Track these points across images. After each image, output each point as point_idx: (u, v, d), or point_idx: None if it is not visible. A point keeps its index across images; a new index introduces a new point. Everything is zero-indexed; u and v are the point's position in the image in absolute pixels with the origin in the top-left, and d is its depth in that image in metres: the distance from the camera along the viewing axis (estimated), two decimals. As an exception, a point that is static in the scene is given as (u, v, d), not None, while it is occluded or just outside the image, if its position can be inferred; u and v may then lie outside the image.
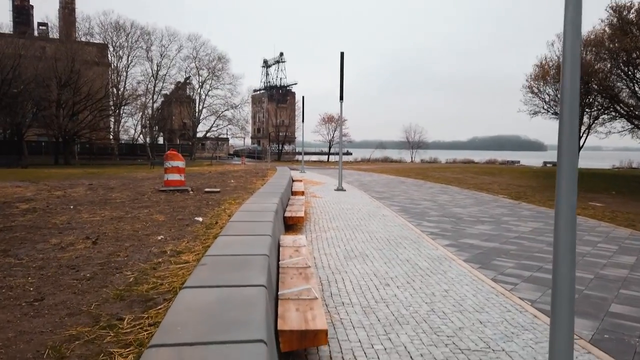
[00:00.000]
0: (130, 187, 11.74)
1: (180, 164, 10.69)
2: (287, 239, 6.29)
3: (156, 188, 11.01)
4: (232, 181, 14.75)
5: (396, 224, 9.68)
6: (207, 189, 10.67)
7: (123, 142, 65.12)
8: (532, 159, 75.91)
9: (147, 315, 3.31)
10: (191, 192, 10.45)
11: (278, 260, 5.16)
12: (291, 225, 8.54)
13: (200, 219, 6.61)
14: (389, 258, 6.61)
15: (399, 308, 4.57)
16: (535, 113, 35.18)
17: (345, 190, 16.92)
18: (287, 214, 8.49)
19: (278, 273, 4.66)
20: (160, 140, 71.87)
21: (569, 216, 2.84)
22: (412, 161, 67.64)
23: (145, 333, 2.95)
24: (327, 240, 7.77)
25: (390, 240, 7.92)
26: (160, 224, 6.56)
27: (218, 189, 10.65)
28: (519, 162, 60.31)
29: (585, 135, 32.95)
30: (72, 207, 7.82)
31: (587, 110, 31.62)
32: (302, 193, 13.27)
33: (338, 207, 11.98)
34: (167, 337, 2.31)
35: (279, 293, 3.97)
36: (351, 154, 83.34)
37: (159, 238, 5.40)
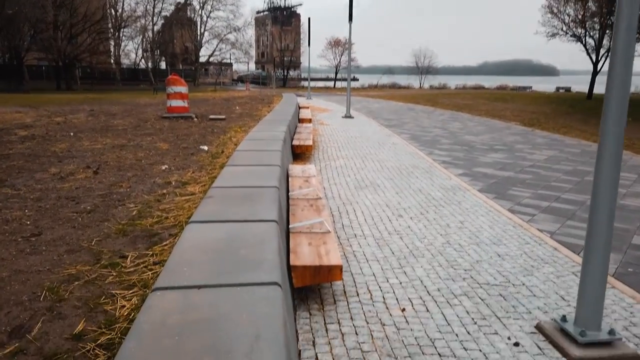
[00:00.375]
0: (132, 113, 11.41)
1: (183, 89, 10.24)
2: (296, 169, 6.07)
3: (159, 115, 10.68)
4: (237, 108, 14.33)
5: (407, 152, 9.41)
6: (211, 116, 10.33)
7: (125, 67, 63.59)
8: (544, 85, 73.80)
9: (151, 253, 3.14)
10: (195, 119, 10.12)
11: (287, 191, 4.97)
12: (299, 154, 8.30)
13: (206, 148, 6.36)
14: (401, 188, 6.41)
15: (413, 240, 4.42)
16: (553, 35, 33.49)
17: (353, 117, 16.50)
18: (295, 142, 8.22)
19: (288, 205, 4.48)
20: (163, 65, 70.13)
21: (614, 149, 2.55)
22: (420, 87, 65.95)
23: (149, 273, 2.78)
24: (336, 169, 7.55)
25: (401, 169, 7.69)
26: (164, 153, 6.37)
27: (223, 116, 10.31)
28: (530, 87, 58.60)
29: (603, 59, 31.50)
30: (72, 134, 7.55)
31: (607, 31, 30.00)
32: (310, 120, 12.91)
33: (346, 135, 11.66)
34: (173, 278, 2.13)
35: (290, 226, 3.79)
36: (358, 79, 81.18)
37: (163, 168, 5.18)
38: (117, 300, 2.45)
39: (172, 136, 7.55)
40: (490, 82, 78.12)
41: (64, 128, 8.23)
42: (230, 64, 78.21)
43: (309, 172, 5.84)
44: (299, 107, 15.97)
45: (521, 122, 16.77)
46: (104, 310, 2.40)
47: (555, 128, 14.97)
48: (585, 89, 34.35)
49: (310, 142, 8.29)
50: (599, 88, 40.71)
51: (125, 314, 2.31)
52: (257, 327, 1.72)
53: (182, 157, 5.94)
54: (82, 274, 2.85)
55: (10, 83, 38.74)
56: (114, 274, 2.83)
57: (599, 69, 29.63)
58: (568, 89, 53.58)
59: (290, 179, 5.51)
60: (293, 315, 2.91)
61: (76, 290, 2.64)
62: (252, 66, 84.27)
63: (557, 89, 54.19)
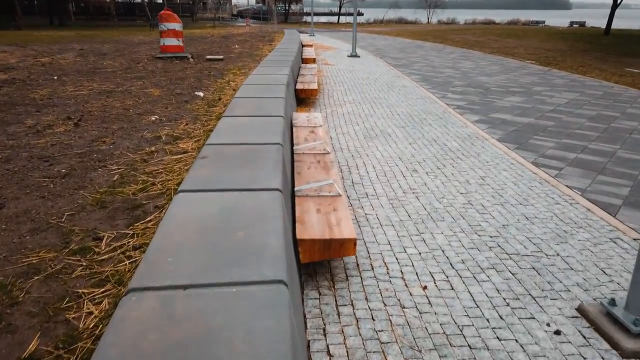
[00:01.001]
0: (124, 53, 10.68)
1: (177, 26, 9.40)
2: (301, 117, 5.56)
3: (152, 55, 9.95)
4: (237, 46, 13.48)
5: (418, 96, 8.80)
6: (208, 56, 9.60)
7: (120, 1, 60.96)
8: (557, 19, 70.73)
9: (132, 232, 2.67)
10: (191, 60, 9.39)
11: (292, 144, 4.51)
12: (303, 99, 7.73)
13: (201, 94, 5.79)
14: (414, 138, 5.92)
15: (430, 200, 4.01)
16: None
17: (359, 56, 15.63)
18: (299, 86, 7.63)
19: (293, 162, 4.03)
20: (161, -1, 67.24)
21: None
22: (428, 22, 63.19)
23: (127, 263, 2.31)
24: (343, 116, 7.02)
25: (413, 115, 7.16)
26: (155, 100, 5.82)
27: (221, 56, 9.59)
28: (543, 22, 55.95)
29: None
30: (56, 77, 6.89)
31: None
32: (314, 60, 12.16)
33: (353, 77, 10.98)
34: (154, 273, 1.73)
35: (295, 189, 3.37)
36: (362, 14, 77.75)
37: (153, 119, 4.63)
38: (83, 305, 1.98)
39: (165, 80, 6.91)
40: (500, 16, 74.86)
41: (48, 70, 7.55)
42: (230, -2, 74.81)
43: (315, 121, 5.34)
44: (302, 45, 15.09)
45: (536, 60, 15.88)
46: (65, 319, 1.98)
47: (573, 67, 14.15)
48: (600, 23, 32.64)
49: (315, 86, 7.69)
50: (617, 23, 38.49)
51: (91, 326, 1.85)
52: (256, 352, 1.34)
53: (175, 106, 5.38)
54: (45, 263, 2.39)
55: (2, 19, 37.11)
56: (84, 263, 2.39)
57: (619, 1, 27.87)
58: (582, 24, 51.19)
59: (294, 130, 5.03)
60: (300, 297, 2.55)
61: (34, 288, 2.19)
62: (252, 0, 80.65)
63: (571, 23, 51.79)
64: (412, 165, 4.87)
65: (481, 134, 6.18)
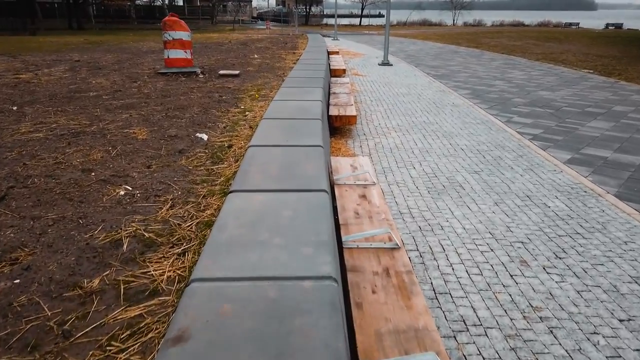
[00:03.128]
0: (124, 65, 9.19)
1: (185, 35, 7.78)
2: (343, 167, 3.96)
3: (156, 69, 8.46)
4: (256, 56, 11.93)
5: (477, 119, 7.12)
6: (222, 72, 8.02)
7: (141, 3, 60.58)
8: (586, 20, 67.75)
9: None
10: (201, 76, 7.81)
11: (337, 226, 2.90)
12: (338, 127, 6.13)
13: (205, 137, 4.13)
14: (498, 192, 4.27)
15: (578, 339, 2.36)
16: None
17: (391, 64, 13.98)
18: (333, 111, 6.03)
19: (342, 261, 2.41)
20: (181, 1, 66.68)
21: None
22: (454, 24, 61.00)
23: None
24: (392, 152, 5.40)
25: (482, 151, 5.50)
26: (136, 150, 3.85)
27: (237, 71, 8.00)
28: (577, 24, 53.24)
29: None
30: (15, 108, 5.18)
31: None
32: (344, 72, 10.56)
33: (391, 92, 9.34)
34: None
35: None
36: (383, 16, 75.88)
37: (121, 193, 2.89)
38: None
39: (160, 111, 5.09)
40: (529, 17, 72.27)
41: (16, 94, 5.78)
42: (250, 0, 73.85)
43: (365, 176, 3.72)
44: (328, 53, 13.50)
45: (593, 69, 14.00)
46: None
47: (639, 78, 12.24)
48: (633, 25, 30.25)
49: (353, 111, 6.09)
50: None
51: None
52: None
53: (163, 161, 3.59)
54: None
55: (19, 22, 36.39)
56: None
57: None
58: (619, 26, 48.48)
59: (337, 192, 3.43)
60: None
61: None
62: (273, 2, 79.58)
63: (607, 25, 49.09)
64: (516, 251, 3.23)
65: (588, 186, 4.48)
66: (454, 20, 63.89)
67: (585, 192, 4.33)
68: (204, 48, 14.63)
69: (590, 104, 8.54)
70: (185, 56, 7.82)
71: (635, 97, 9.44)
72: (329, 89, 7.76)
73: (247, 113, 5.10)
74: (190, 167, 3.31)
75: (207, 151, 3.70)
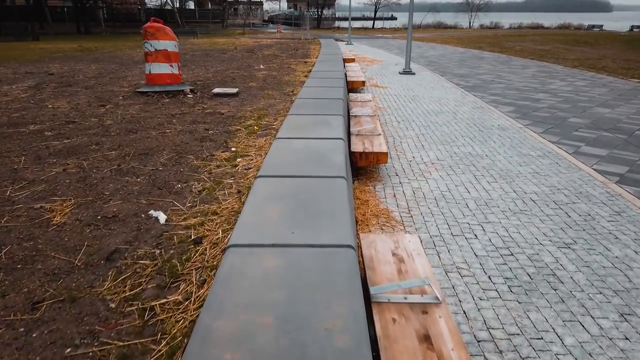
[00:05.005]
0: (103, 81, 7.68)
1: (171, 45, 6.19)
2: (383, 258, 2.52)
3: (138, 85, 6.98)
4: (262, 67, 10.47)
5: (536, 149, 5.63)
6: (217, 90, 6.51)
7: (152, 7, 59.87)
8: (602, 22, 65.36)
9: None
10: (189, 96, 6.30)
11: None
12: (362, 166, 4.67)
13: (162, 219, 2.66)
14: (625, 299, 2.78)
15: None
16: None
17: (414, 73, 12.49)
18: (357, 147, 4.58)
19: None
20: (192, 5, 65.90)
21: None
22: (470, 27, 59.19)
23: None
24: (437, 206, 3.94)
25: (562, 205, 4.01)
26: (27, 261, 2.23)
27: (235, 90, 6.47)
28: (601, 26, 51.20)
29: None
30: None
31: None
32: (363, 84, 9.11)
33: (420, 109, 7.87)
34: None
35: None
36: (396, 18, 74.32)
37: None
38: None
39: (114, 158, 3.73)
40: (539, 18, 70.20)
41: None
42: (261, 3, 72.76)
43: (424, 289, 2.25)
44: (344, 61, 12.05)
45: (635, 76, 12.38)
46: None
47: None
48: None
49: (383, 146, 4.63)
50: None
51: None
52: None
53: (64, 291, 1.98)
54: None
55: (19, 27, 35.46)
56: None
57: None
58: (645, 27, 46.48)
59: (377, 324, 1.97)
60: None
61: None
62: (284, 5, 78.48)
63: (632, 27, 47.05)
64: None
65: None
66: (470, 23, 62.06)
67: None
68: (204, 56, 13.22)
69: (667, 126, 6.99)
70: (171, 71, 6.35)
71: None
72: (348, 108, 6.32)
73: (238, 160, 3.61)
74: (113, 307, 1.82)
75: (156, 256, 2.22)
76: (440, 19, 64.67)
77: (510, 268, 3.02)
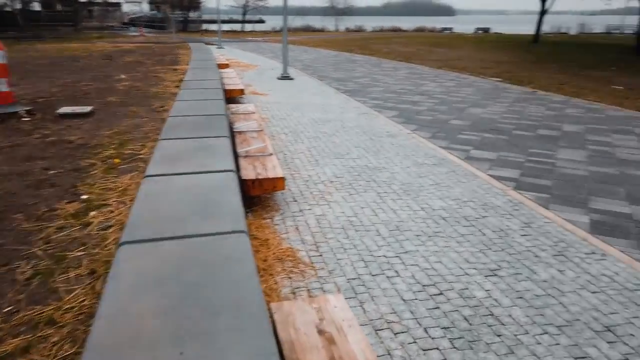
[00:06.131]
0: None
1: None
2: (308, 341, 1.90)
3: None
4: (123, 77, 9.09)
5: (430, 157, 5.46)
6: (63, 109, 5.19)
7: (-14, 9, 52.04)
8: (449, 25, 72.16)
9: None
10: (26, 119, 4.88)
11: None
12: (255, 196, 4.00)
13: None
14: (560, 322, 2.51)
15: None
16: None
17: (292, 78, 12.08)
18: (248, 173, 3.90)
19: None
20: (38, 6, 58.59)
21: None
22: (337, 30, 61.23)
23: None
24: (347, 238, 3.43)
25: (472, 221, 3.77)
26: None
27: (89, 108, 5.24)
28: (451, 28, 56.42)
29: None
30: None
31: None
32: (241, 92, 8.39)
33: (306, 119, 7.40)
34: None
35: None
36: (264, 21, 74.15)
37: None
38: None
39: None
40: (400, 22, 75.40)
41: None
42: (119, 4, 67.38)
43: (355, 358, 1.67)
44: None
45: (499, 76, 13.42)
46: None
47: (551, 86, 11.74)
48: (497, 29, 32.07)
49: (278, 169, 4.00)
50: (517, 28, 37.60)
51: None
52: None
53: None
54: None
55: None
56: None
57: (546, 7, 27.01)
58: (487, 30, 52.17)
59: None
60: None
61: None
62: (146, 6, 73.69)
63: (476, 30, 52.48)
64: None
65: (665, 285, 2.91)
66: (336, 26, 64.21)
67: (672, 301, 2.74)
68: (50, 66, 11.32)
69: (536, 124, 7.39)
70: (-2, 88, 4.97)
71: (570, 110, 8.58)
72: (230, 123, 5.57)
73: (92, 214, 2.67)
74: None
75: None
76: (307, 22, 65.92)
77: (444, 312, 2.60)
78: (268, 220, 3.71)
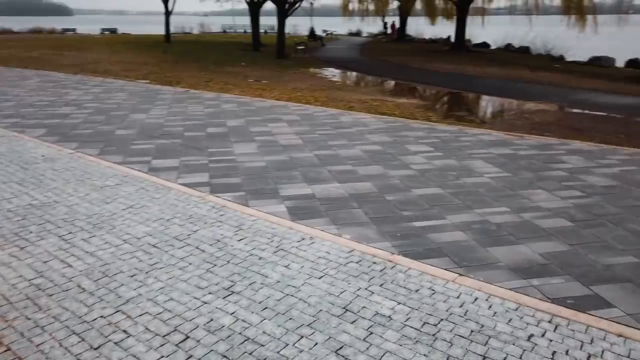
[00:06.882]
0: None
1: None
2: None
3: None
4: None
5: (110, 178, 4.79)
6: None
7: None
8: (69, 25, 67.03)
9: None
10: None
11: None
12: None
13: None
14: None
15: None
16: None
17: None
18: None
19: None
20: None
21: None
22: None
23: None
24: (34, 321, 2.59)
25: (205, 248, 3.48)
26: None
27: None
28: (75, 29, 51.88)
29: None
30: None
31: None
32: None
33: None
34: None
35: None
36: None
37: None
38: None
39: None
40: (6, 23, 64.95)
41: None
42: None
43: None
44: None
45: (146, 78, 13.13)
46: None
47: (198, 84, 12.27)
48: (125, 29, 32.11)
49: None
50: (142, 29, 37.90)
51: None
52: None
53: None
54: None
55: None
56: None
57: (171, 9, 27.59)
58: (114, 31, 50.69)
59: None
60: None
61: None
62: None
63: (102, 30, 50.21)
64: None
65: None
66: None
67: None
68: None
69: (202, 123, 7.52)
70: None
71: (225, 106, 9.14)
72: None
73: None
74: None
75: None
76: None
77: None
78: None
